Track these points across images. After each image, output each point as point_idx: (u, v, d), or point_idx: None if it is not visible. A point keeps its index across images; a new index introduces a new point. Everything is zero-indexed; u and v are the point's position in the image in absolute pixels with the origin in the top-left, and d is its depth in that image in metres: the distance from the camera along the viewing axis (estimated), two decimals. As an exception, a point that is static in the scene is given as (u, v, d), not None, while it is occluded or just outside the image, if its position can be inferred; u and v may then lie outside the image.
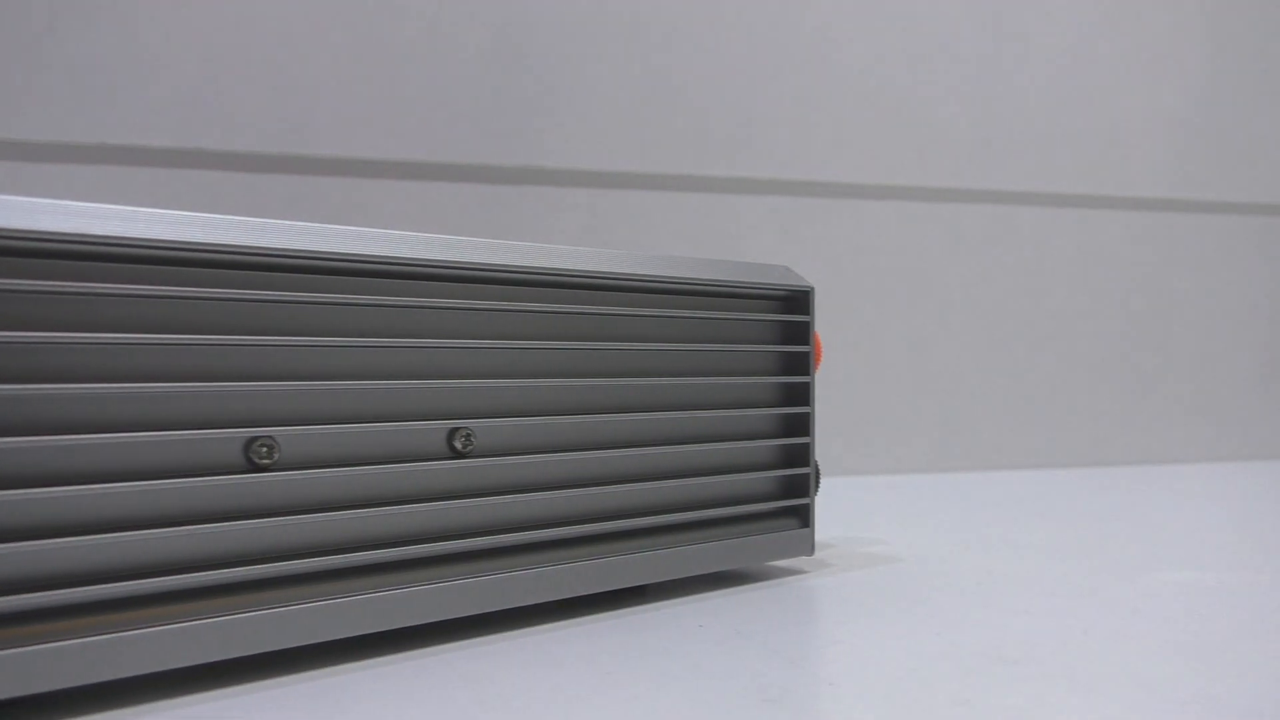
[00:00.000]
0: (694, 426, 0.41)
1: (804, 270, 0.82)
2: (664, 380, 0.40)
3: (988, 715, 0.26)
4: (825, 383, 0.82)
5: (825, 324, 0.83)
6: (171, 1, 0.69)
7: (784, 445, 0.44)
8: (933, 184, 0.88)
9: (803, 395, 0.45)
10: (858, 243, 0.86)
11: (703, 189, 0.82)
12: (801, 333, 0.45)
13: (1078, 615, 0.36)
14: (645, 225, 0.80)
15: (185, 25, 0.69)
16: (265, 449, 0.29)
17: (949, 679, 0.29)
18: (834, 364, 0.83)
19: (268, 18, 0.71)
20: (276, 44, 0.71)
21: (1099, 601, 0.38)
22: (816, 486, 0.45)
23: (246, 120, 0.71)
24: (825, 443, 0.81)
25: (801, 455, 0.45)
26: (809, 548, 0.44)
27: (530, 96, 0.77)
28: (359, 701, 0.27)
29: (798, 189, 0.84)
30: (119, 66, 0.68)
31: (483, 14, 0.76)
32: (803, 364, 0.45)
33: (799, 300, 0.45)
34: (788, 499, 0.44)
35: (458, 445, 0.34)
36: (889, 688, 0.28)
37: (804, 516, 0.44)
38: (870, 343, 0.86)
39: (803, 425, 0.45)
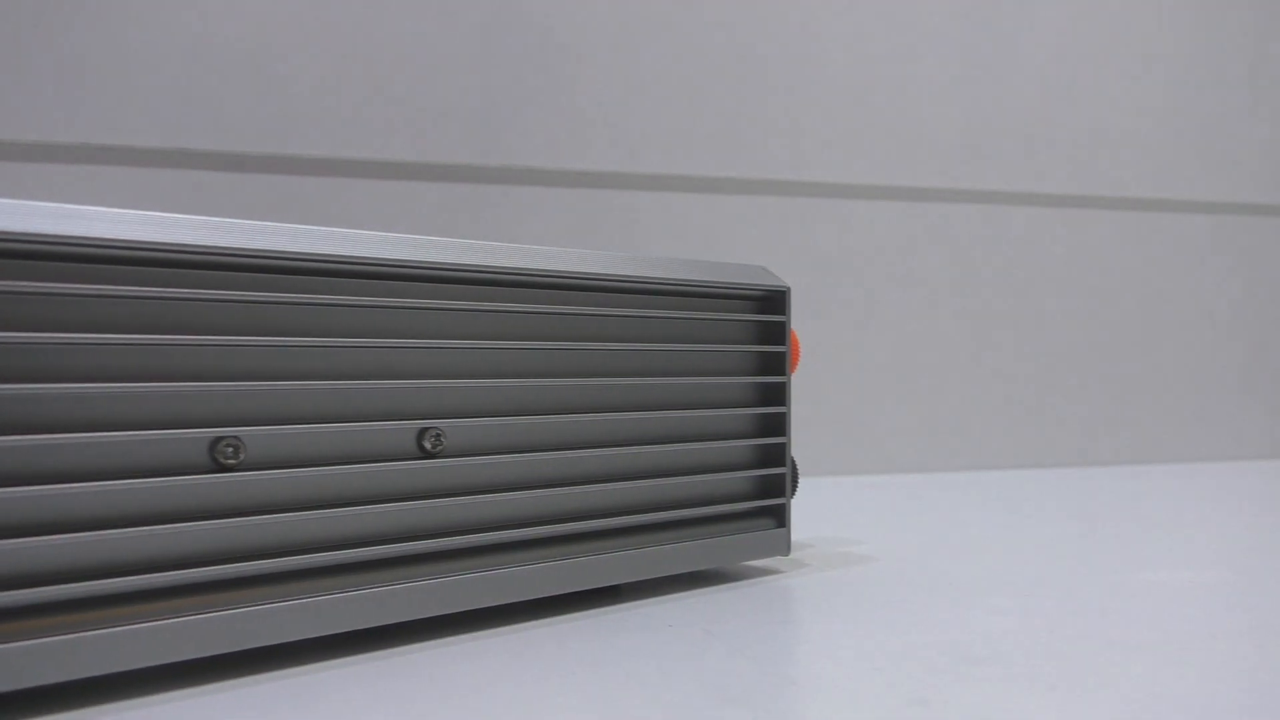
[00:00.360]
0: (669, 426, 0.41)
1: (791, 270, 0.83)
2: (639, 380, 0.40)
3: (944, 714, 0.26)
4: (811, 382, 0.82)
5: (813, 323, 0.83)
6: (158, 1, 0.69)
7: (760, 445, 0.45)
8: (920, 184, 0.88)
9: (779, 395, 0.45)
10: (845, 242, 0.86)
11: (690, 189, 0.82)
12: (778, 333, 0.45)
13: (1047, 615, 0.36)
14: (632, 225, 0.80)
15: (170, 25, 0.69)
16: (231, 449, 0.30)
17: (911, 678, 0.29)
18: (821, 363, 0.84)
19: (253, 18, 0.71)
20: (262, 44, 0.72)
21: (1070, 601, 0.38)
22: (795, 487, 0.45)
23: (231, 120, 0.71)
24: (810, 442, 0.81)
25: (777, 455, 0.45)
26: (785, 548, 0.45)
27: (516, 97, 0.77)
28: (323, 701, 0.27)
29: (785, 189, 0.84)
30: (103, 66, 0.68)
31: (468, 14, 0.76)
32: (779, 364, 0.45)
33: (775, 300, 0.45)
34: (763, 499, 0.44)
35: (427, 445, 0.34)
36: (850, 686, 0.28)
37: (780, 516, 0.45)
38: (857, 342, 0.86)
39: (779, 425, 0.45)
